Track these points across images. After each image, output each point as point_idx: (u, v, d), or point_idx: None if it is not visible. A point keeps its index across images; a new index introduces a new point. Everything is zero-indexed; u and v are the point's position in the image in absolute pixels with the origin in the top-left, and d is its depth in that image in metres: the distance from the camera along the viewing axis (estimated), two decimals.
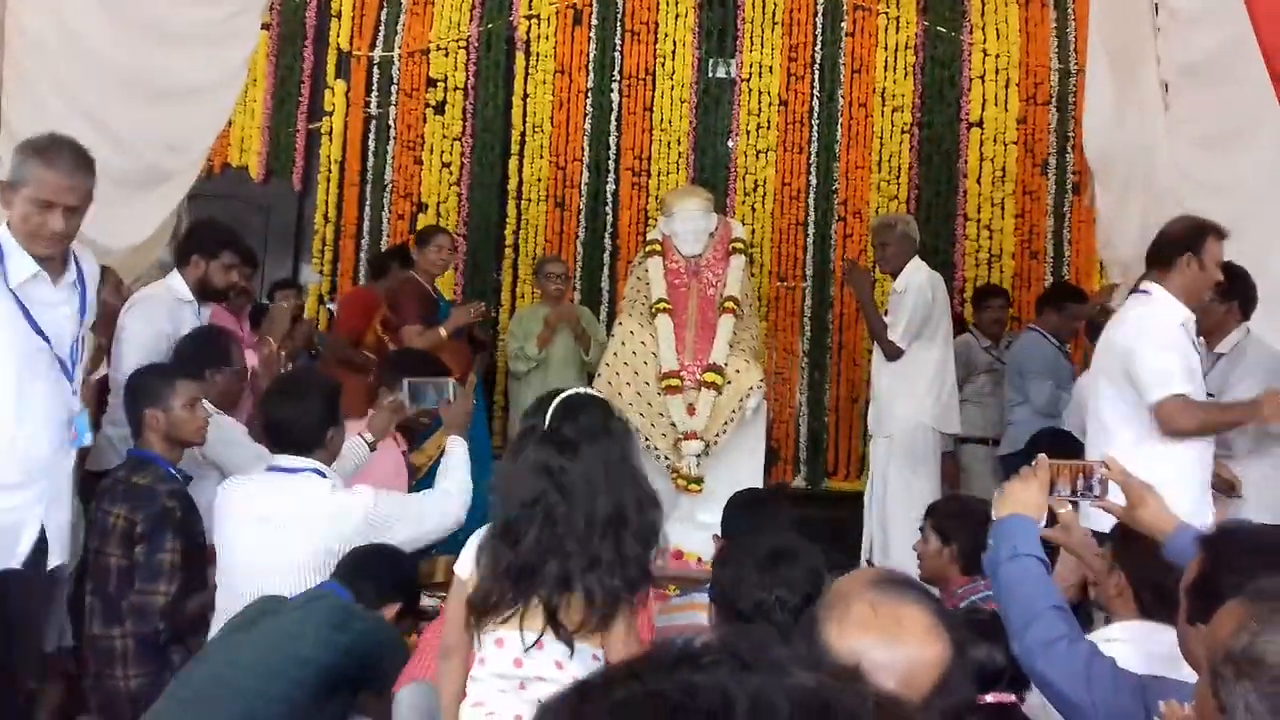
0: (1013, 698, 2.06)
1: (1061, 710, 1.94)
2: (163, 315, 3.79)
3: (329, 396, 3.00)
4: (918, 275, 4.88)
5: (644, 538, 2.20)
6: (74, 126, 4.07)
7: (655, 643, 2.26)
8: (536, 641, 2.15)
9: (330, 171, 6.78)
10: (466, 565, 2.29)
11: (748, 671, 0.54)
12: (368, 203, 6.79)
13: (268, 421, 2.98)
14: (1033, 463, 2.21)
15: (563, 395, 2.24)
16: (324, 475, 2.90)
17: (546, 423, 2.19)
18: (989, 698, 2.04)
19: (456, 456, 3.20)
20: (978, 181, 6.49)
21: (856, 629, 1.35)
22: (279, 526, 2.78)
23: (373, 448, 3.34)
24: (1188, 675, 1.83)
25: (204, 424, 3.17)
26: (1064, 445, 3.55)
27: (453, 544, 3.22)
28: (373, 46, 6.83)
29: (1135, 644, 2.12)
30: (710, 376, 4.64)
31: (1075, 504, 2.36)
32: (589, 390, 2.31)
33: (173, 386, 3.13)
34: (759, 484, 4.74)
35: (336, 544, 2.78)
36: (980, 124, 6.49)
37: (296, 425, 2.89)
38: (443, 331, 4.73)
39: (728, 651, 0.56)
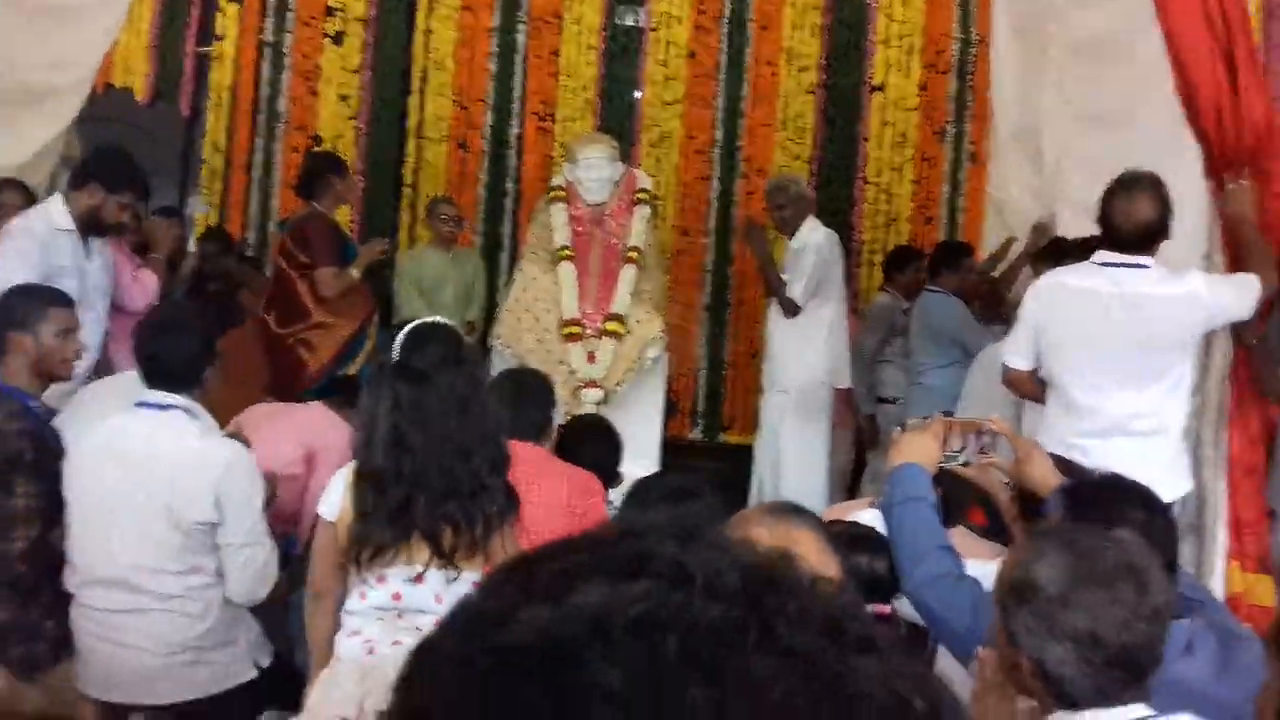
0: (888, 608, 2.15)
1: (948, 642, 2.03)
2: (34, 249, 3.61)
3: (207, 331, 2.87)
4: (815, 234, 4.95)
5: (493, 461, 2.22)
6: None
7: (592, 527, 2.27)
8: (418, 576, 2.16)
9: (221, 99, 6.49)
10: (332, 507, 2.28)
11: (694, 545, 0.54)
12: (260, 133, 6.53)
13: (141, 354, 2.79)
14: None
15: (409, 326, 2.24)
16: (194, 416, 2.74)
17: (395, 355, 2.17)
18: (869, 609, 2.13)
19: None
20: (878, 145, 6.59)
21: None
22: (132, 465, 2.62)
23: None
24: None
25: (75, 356, 2.99)
26: None
27: None
28: None
29: None
30: (612, 325, 4.64)
31: (955, 458, 2.47)
32: (436, 319, 2.30)
33: (45, 312, 2.93)
34: (657, 434, 4.78)
35: (177, 496, 2.58)
36: (883, 88, 6.58)
37: (172, 359, 2.72)
38: (354, 272, 4.60)
39: (672, 529, 0.56)
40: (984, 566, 2.21)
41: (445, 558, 2.15)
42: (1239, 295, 3.10)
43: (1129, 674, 1.46)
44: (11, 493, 2.71)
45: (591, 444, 3.08)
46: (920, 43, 6.58)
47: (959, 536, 2.39)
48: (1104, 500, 1.92)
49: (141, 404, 2.72)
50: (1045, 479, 2.29)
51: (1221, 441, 3.30)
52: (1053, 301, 3.27)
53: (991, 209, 5.42)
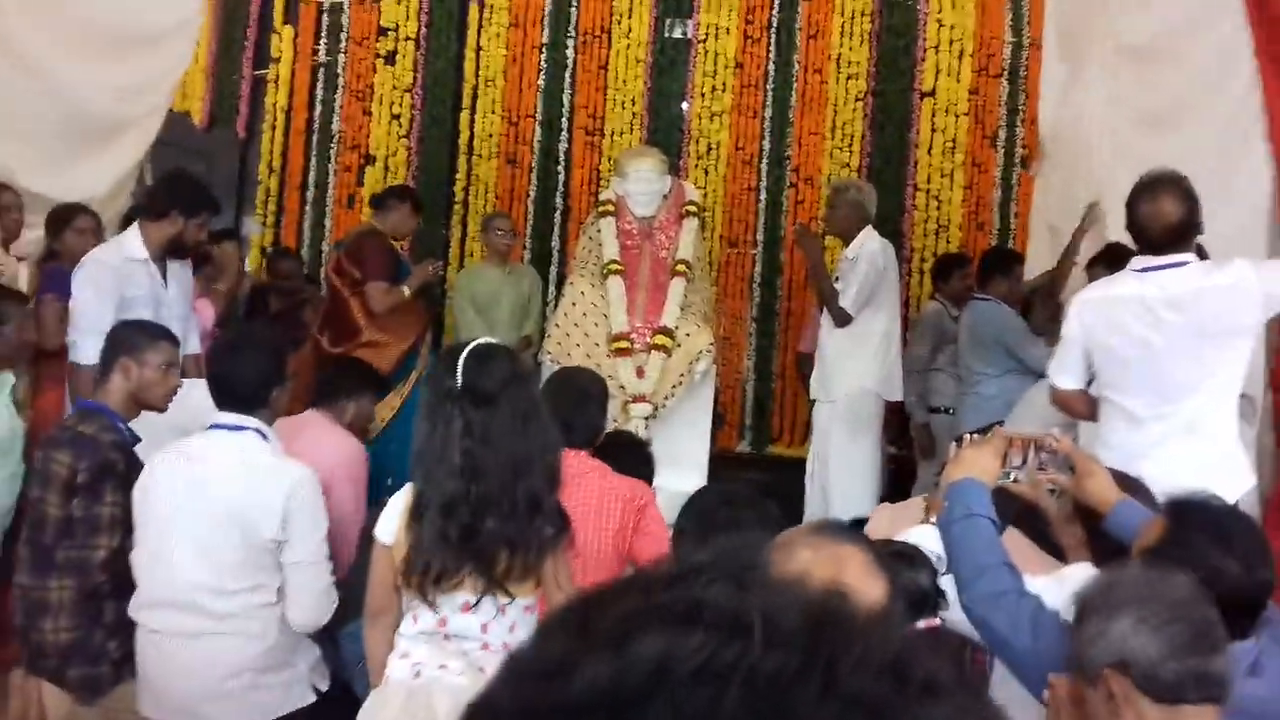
0: (939, 622, 2.13)
1: (1006, 658, 1.99)
2: (109, 280, 3.71)
3: (277, 353, 2.93)
4: (871, 243, 4.90)
5: (550, 481, 2.23)
6: (14, 82, 3.95)
7: (642, 567, 2.27)
8: (467, 604, 2.18)
9: (276, 120, 6.63)
10: (389, 530, 2.29)
11: (749, 588, 0.54)
12: (314, 153, 6.65)
13: (212, 375, 2.88)
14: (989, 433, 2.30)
15: (469, 348, 2.23)
16: (265, 438, 2.80)
17: (459, 379, 2.18)
18: (919, 625, 2.10)
19: None
20: (928, 152, 6.51)
21: (799, 570, 1.42)
22: (202, 481, 2.68)
23: None
24: None
25: (172, 392, 3.08)
26: None
27: None
28: None
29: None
30: (660, 339, 4.64)
31: (1014, 476, 2.43)
32: (489, 339, 2.30)
33: (155, 344, 3.06)
34: (705, 447, 4.77)
35: (248, 512, 2.64)
36: (933, 94, 6.51)
37: (241, 380, 2.80)
38: (406, 290, 4.66)
39: (725, 570, 0.55)
40: (1043, 583, 2.17)
41: (497, 582, 2.16)
42: None
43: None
44: (100, 500, 2.81)
45: (624, 460, 3.08)
46: (971, 46, 6.50)
47: (1010, 539, 2.36)
48: (1209, 523, 1.87)
49: (215, 425, 2.80)
50: (1105, 495, 2.26)
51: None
52: (1099, 316, 3.20)
53: (1042, 225, 5.33)
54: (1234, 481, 2.96)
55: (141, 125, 4.72)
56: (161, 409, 3.10)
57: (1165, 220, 3.03)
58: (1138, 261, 3.14)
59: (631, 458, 3.22)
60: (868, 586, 1.44)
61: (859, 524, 2.50)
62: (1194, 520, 1.84)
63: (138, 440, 3.05)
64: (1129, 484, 2.40)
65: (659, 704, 0.48)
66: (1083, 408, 3.31)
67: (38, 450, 2.99)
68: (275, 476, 2.71)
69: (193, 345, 3.91)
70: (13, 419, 3.47)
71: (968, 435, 2.53)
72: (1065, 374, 3.29)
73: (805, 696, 0.49)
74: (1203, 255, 3.21)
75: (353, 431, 3.66)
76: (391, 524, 2.31)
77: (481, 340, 2.28)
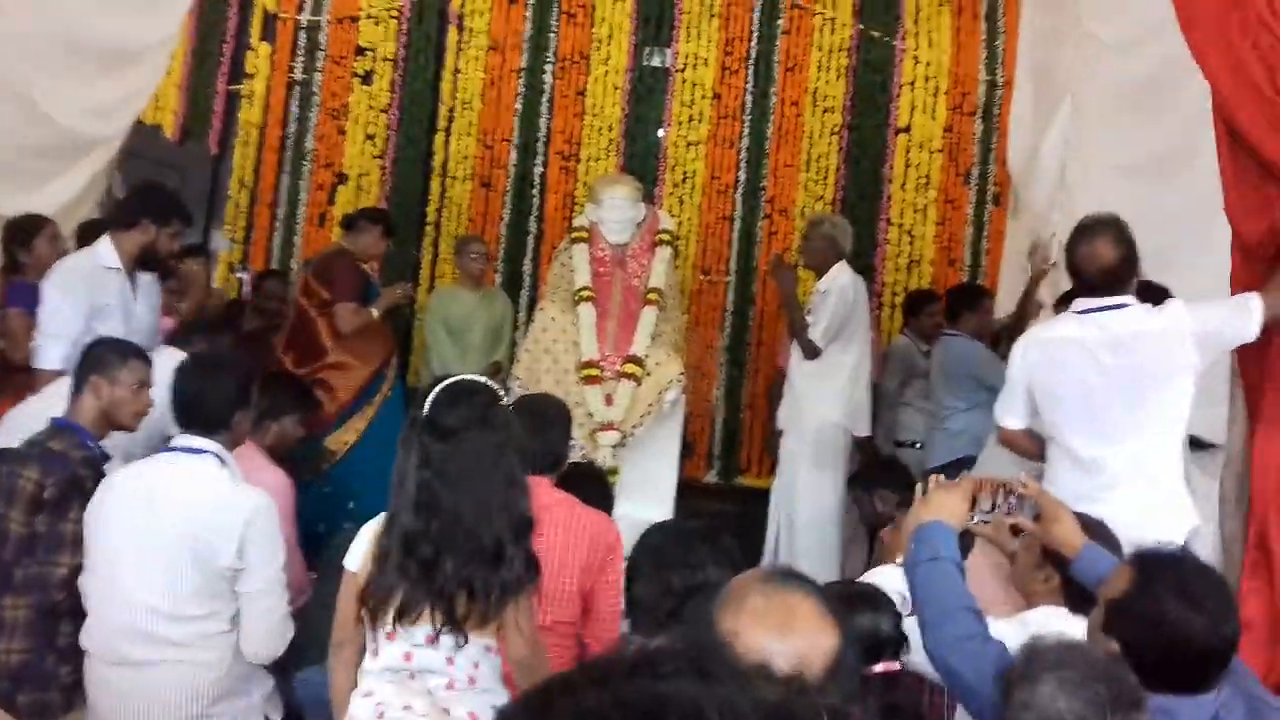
0: (898, 666, 2.12)
1: (968, 704, 2.00)
2: (80, 287, 3.68)
3: (243, 377, 2.89)
4: (842, 277, 4.92)
5: (517, 527, 2.18)
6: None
7: (608, 649, 2.24)
8: (430, 637, 2.14)
9: (249, 136, 6.57)
10: (357, 559, 2.26)
11: (710, 681, 0.53)
12: (286, 170, 6.60)
13: (177, 395, 2.83)
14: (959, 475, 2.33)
15: (444, 383, 2.21)
16: (224, 463, 2.76)
17: (426, 410, 2.16)
18: (878, 668, 2.09)
19: None
20: (902, 187, 6.57)
21: (750, 619, 1.43)
22: (158, 505, 2.63)
23: None
24: None
25: (143, 411, 3.04)
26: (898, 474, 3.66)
27: None
28: (300, 10, 6.63)
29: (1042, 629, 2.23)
30: (630, 368, 4.62)
31: (979, 520, 2.43)
32: (474, 377, 2.26)
33: (127, 363, 3.02)
34: (673, 477, 4.74)
35: (205, 538, 2.59)
36: (908, 130, 6.56)
37: (205, 402, 2.77)
38: (375, 311, 4.62)
39: (685, 659, 0.55)
40: (1005, 627, 2.17)
41: (455, 624, 2.12)
42: (1234, 314, 3.00)
43: None
44: (65, 516, 2.77)
45: (585, 491, 3.04)
46: (946, 84, 6.57)
47: (973, 568, 2.35)
48: (1176, 575, 1.87)
49: (173, 448, 2.76)
50: (1071, 540, 2.29)
51: (1244, 490, 3.20)
52: (1041, 356, 3.22)
53: (1014, 266, 5.37)
54: (1179, 523, 2.98)
55: (110, 141, 4.68)
56: (132, 428, 3.07)
57: (1101, 262, 3.07)
58: (1079, 303, 3.17)
59: (592, 490, 3.18)
60: (819, 634, 1.44)
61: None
62: (1160, 574, 1.85)
63: (107, 458, 3.01)
64: (1092, 527, 2.41)
65: None
66: (1028, 446, 3.34)
67: (3, 464, 2.92)
68: (233, 503, 2.67)
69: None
70: None
71: (934, 476, 2.52)
72: (1009, 414, 3.32)
73: None
74: (1165, 295, 3.23)
75: (274, 454, 3.56)
76: (360, 552, 2.27)
77: (464, 377, 2.24)
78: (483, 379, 2.26)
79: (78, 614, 2.74)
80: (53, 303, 3.66)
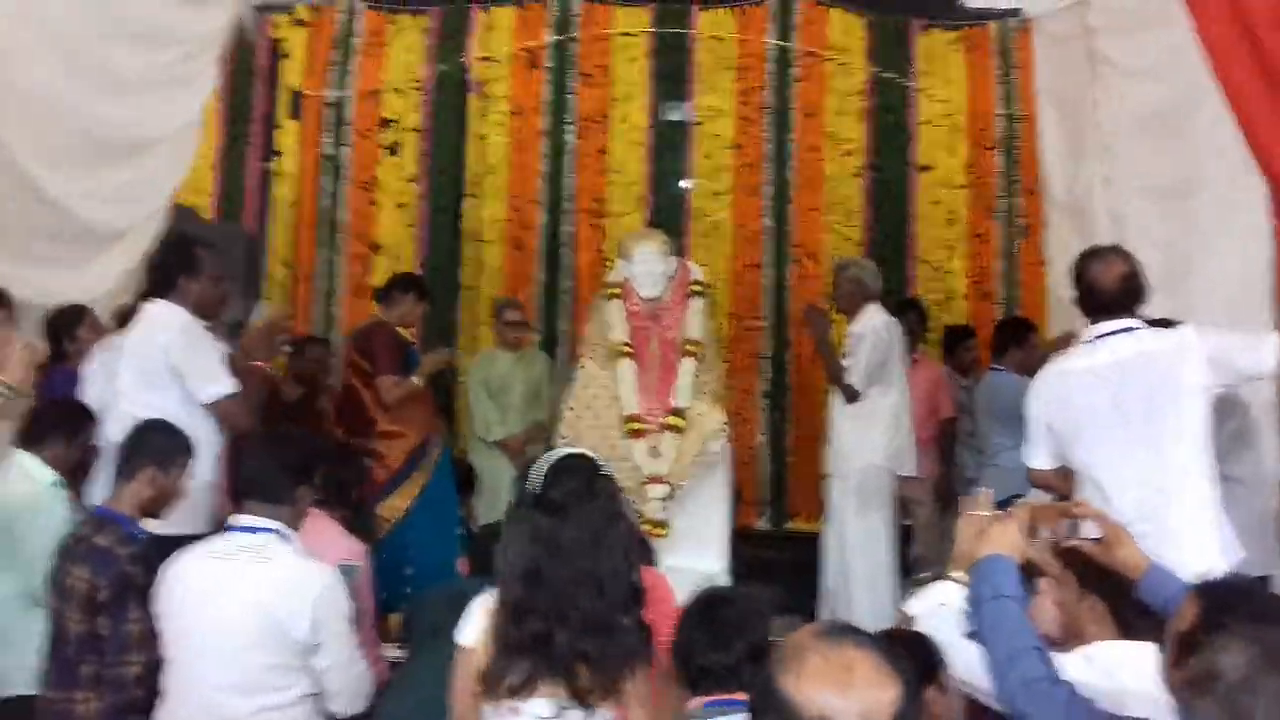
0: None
1: None
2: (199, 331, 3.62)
3: (306, 452, 2.91)
4: (875, 319, 4.95)
5: (626, 597, 2.21)
6: (6, 193, 3.95)
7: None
8: (556, 713, 2.15)
9: (283, 212, 6.71)
10: (471, 633, 2.28)
11: None
12: (322, 244, 6.73)
13: (240, 470, 2.86)
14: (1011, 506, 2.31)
15: (550, 458, 2.24)
16: (286, 539, 2.74)
17: (537, 486, 2.20)
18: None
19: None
20: (929, 224, 6.61)
21: (812, 680, 1.44)
22: (225, 588, 2.64)
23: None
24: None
25: (180, 501, 3.07)
26: None
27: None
28: (325, 86, 6.80)
29: (1108, 663, 2.21)
30: (673, 420, 4.65)
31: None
32: (578, 450, 2.30)
33: (185, 458, 3.03)
34: (726, 526, 4.75)
35: (275, 617, 2.60)
36: (930, 168, 6.62)
37: (266, 475, 2.77)
38: (417, 379, 4.68)
39: None
40: (1070, 660, 2.16)
41: (579, 697, 2.14)
42: (1248, 343, 3.01)
43: None
44: (126, 618, 2.78)
45: None
46: (964, 121, 6.63)
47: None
48: (1240, 603, 1.84)
49: (231, 528, 2.76)
50: (1136, 560, 2.27)
51: None
52: (1055, 390, 3.22)
53: (1054, 302, 5.39)
54: (1218, 553, 2.93)
55: (143, 228, 4.75)
56: (163, 518, 3.07)
57: (1116, 273, 3.10)
58: (1089, 331, 3.18)
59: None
60: (880, 689, 1.45)
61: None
62: (1228, 603, 1.83)
63: (150, 538, 3.00)
64: None
65: None
66: (1060, 485, 3.28)
67: (54, 558, 2.94)
68: (301, 582, 2.67)
69: None
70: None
71: (982, 490, 2.52)
72: (1035, 455, 3.30)
73: None
74: (1170, 324, 3.23)
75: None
76: (474, 627, 2.28)
77: (569, 451, 2.28)
78: (588, 451, 2.30)
79: (149, 706, 2.76)
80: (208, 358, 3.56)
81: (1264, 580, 2.20)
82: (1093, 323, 3.17)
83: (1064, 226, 5.02)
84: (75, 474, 3.43)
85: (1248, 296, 3.68)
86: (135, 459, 3.00)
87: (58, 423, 3.38)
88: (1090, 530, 2.34)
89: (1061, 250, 5.08)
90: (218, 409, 3.54)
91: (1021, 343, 5.03)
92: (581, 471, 2.23)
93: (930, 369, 5.60)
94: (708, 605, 2.27)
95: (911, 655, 2.10)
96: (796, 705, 1.42)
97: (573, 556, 2.15)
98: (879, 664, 1.47)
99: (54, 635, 2.88)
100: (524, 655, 2.15)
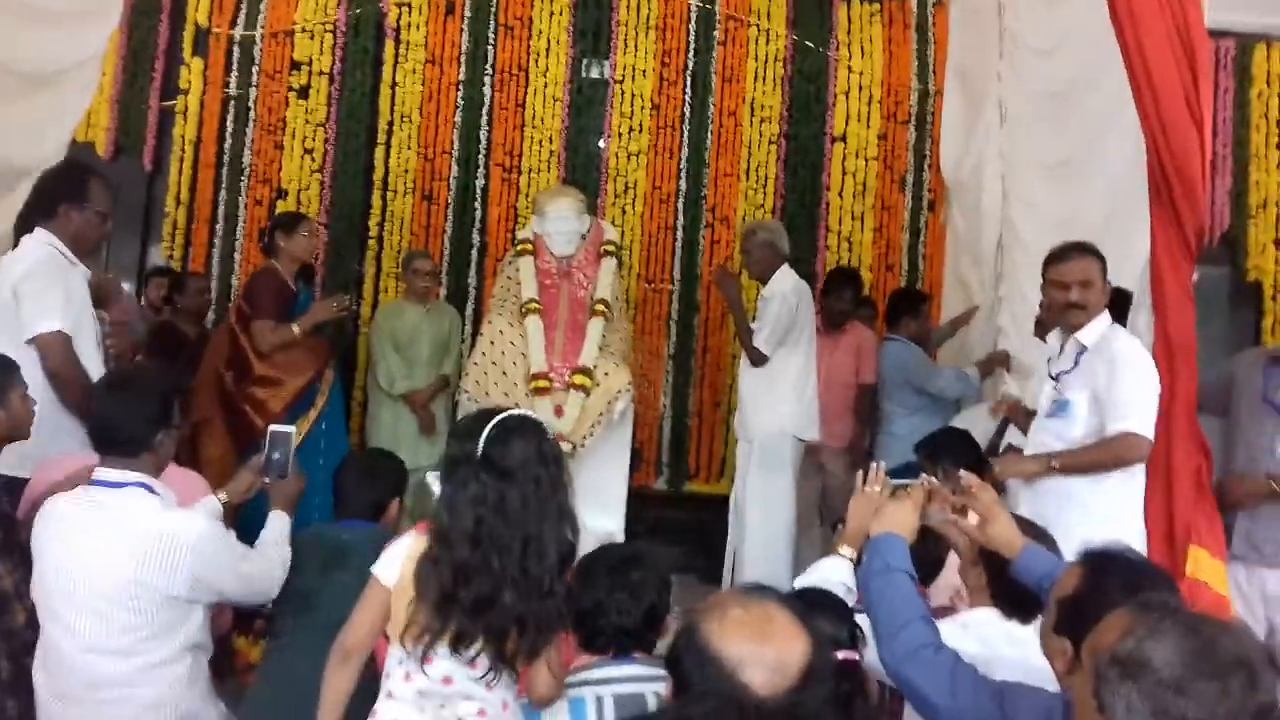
0: (856, 656, 2.17)
1: (923, 712, 2.03)
2: (61, 279, 3.36)
3: (163, 395, 2.71)
4: (784, 283, 4.98)
5: (563, 561, 2.22)
6: None
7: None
8: (472, 661, 2.15)
9: (184, 152, 6.49)
10: (391, 575, 2.24)
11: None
12: (223, 186, 6.52)
13: (93, 420, 2.70)
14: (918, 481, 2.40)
15: (497, 418, 2.21)
16: (152, 490, 2.60)
17: (480, 446, 2.16)
18: (838, 655, 2.13)
19: (277, 531, 2.86)
20: (840, 194, 6.68)
21: (734, 627, 1.56)
22: (91, 548, 2.51)
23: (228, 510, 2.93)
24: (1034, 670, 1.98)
25: (33, 412, 2.89)
26: (962, 445, 3.67)
27: None
28: (233, 25, 6.56)
29: (983, 631, 2.32)
30: (579, 379, 4.65)
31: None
32: (522, 412, 2.26)
33: (14, 378, 2.84)
34: (623, 486, 4.78)
35: (145, 579, 2.48)
36: (844, 138, 6.69)
37: (124, 423, 2.60)
38: (295, 329, 4.55)
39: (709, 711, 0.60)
40: (947, 628, 2.22)
41: (505, 659, 2.14)
42: None
43: None
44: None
45: None
46: (879, 94, 6.70)
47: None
48: (1125, 571, 1.90)
49: (96, 482, 2.60)
50: (1009, 540, 2.33)
51: None
52: None
53: (953, 277, 5.50)
54: None
55: (45, 163, 4.58)
56: (26, 438, 2.92)
57: None
58: None
59: None
60: (795, 640, 1.57)
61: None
62: (1110, 571, 1.90)
63: (12, 483, 2.87)
64: (1035, 533, 2.48)
65: None
66: None
67: None
68: (172, 540, 2.52)
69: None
70: None
71: (875, 465, 2.58)
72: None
73: None
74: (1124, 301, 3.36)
75: None
76: (395, 566, 2.24)
77: (514, 413, 2.24)
78: (530, 414, 2.27)
79: (24, 651, 2.64)
80: (49, 300, 3.30)
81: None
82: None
83: (960, 202, 5.12)
84: None
85: (1135, 275, 3.80)
86: None
87: None
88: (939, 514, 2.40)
89: (954, 229, 5.17)
90: (38, 343, 3.27)
91: (915, 313, 5.13)
92: (530, 433, 2.20)
93: (859, 334, 5.55)
94: (616, 567, 2.28)
95: (827, 614, 2.16)
96: (716, 652, 1.53)
97: (521, 521, 2.14)
98: (794, 620, 1.59)
99: None
100: (465, 614, 2.13)
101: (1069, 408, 3.38)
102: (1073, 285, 3.34)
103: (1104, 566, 1.91)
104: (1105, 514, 3.19)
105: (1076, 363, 3.41)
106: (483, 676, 2.16)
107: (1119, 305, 3.77)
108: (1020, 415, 3.91)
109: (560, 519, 2.19)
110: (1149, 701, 1.42)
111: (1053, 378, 3.49)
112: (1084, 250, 3.37)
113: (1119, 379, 3.26)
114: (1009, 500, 3.70)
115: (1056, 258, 3.41)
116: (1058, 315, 3.45)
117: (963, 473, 2.59)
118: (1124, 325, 3.70)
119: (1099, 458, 3.29)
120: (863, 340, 5.48)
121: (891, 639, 2.05)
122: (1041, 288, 3.49)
